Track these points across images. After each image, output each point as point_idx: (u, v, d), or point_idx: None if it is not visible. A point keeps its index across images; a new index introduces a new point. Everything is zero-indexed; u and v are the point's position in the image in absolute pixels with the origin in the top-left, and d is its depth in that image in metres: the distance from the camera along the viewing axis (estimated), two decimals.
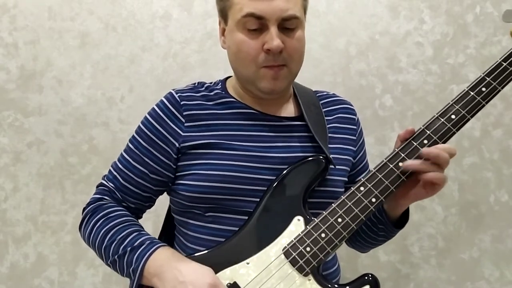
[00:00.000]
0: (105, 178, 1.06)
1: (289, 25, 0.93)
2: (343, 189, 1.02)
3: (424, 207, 1.64)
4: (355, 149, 1.10)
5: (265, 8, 0.90)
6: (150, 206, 1.08)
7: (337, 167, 1.01)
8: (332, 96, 1.14)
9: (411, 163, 0.90)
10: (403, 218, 1.02)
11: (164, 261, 0.89)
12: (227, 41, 1.00)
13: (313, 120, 1.03)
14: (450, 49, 1.63)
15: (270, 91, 0.98)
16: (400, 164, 0.91)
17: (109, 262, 0.96)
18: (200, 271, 0.87)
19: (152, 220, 1.54)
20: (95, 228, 0.98)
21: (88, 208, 1.02)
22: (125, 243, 0.93)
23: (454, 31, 1.63)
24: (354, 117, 1.12)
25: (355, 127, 1.11)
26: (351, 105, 1.14)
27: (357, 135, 1.11)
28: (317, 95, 1.12)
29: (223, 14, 0.99)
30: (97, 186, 1.07)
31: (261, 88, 0.97)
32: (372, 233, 1.07)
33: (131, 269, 0.91)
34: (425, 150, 0.89)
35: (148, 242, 0.93)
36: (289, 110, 1.06)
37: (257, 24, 0.92)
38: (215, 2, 1.02)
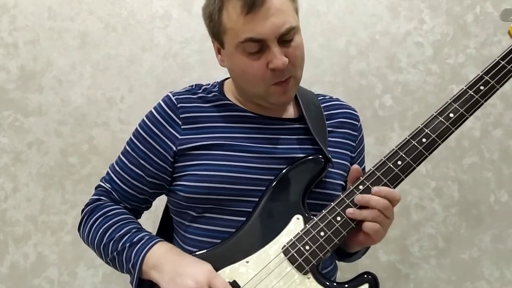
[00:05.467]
0: (103, 180, 1.07)
1: (287, 37, 0.91)
2: (340, 193, 1.02)
3: (424, 207, 1.64)
4: (353, 155, 1.09)
5: (262, 30, 0.88)
6: (147, 208, 1.09)
7: (335, 170, 1.01)
8: (335, 100, 1.13)
9: (353, 212, 0.89)
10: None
11: (163, 254, 0.90)
12: (226, 63, 0.99)
13: (313, 120, 1.03)
14: (450, 49, 1.63)
15: (281, 104, 1.01)
16: (399, 162, 0.90)
17: (108, 259, 0.97)
18: (198, 263, 0.88)
19: (152, 220, 1.53)
20: (93, 227, 0.99)
21: (86, 209, 1.04)
22: (124, 239, 0.94)
23: (454, 31, 1.63)
24: (356, 123, 1.11)
25: (356, 133, 1.10)
26: (355, 111, 1.13)
27: (357, 142, 1.10)
28: (319, 98, 1.11)
29: (216, 38, 0.96)
30: (96, 188, 1.08)
31: (273, 103, 0.98)
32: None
33: (130, 264, 0.92)
34: (358, 197, 0.89)
35: (147, 237, 0.94)
36: (289, 111, 1.06)
37: (257, 47, 0.90)
38: (205, 24, 0.98)
